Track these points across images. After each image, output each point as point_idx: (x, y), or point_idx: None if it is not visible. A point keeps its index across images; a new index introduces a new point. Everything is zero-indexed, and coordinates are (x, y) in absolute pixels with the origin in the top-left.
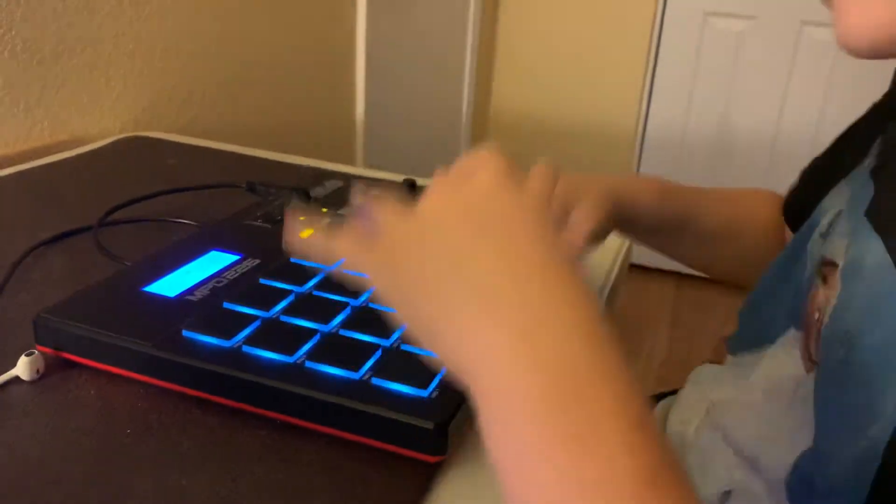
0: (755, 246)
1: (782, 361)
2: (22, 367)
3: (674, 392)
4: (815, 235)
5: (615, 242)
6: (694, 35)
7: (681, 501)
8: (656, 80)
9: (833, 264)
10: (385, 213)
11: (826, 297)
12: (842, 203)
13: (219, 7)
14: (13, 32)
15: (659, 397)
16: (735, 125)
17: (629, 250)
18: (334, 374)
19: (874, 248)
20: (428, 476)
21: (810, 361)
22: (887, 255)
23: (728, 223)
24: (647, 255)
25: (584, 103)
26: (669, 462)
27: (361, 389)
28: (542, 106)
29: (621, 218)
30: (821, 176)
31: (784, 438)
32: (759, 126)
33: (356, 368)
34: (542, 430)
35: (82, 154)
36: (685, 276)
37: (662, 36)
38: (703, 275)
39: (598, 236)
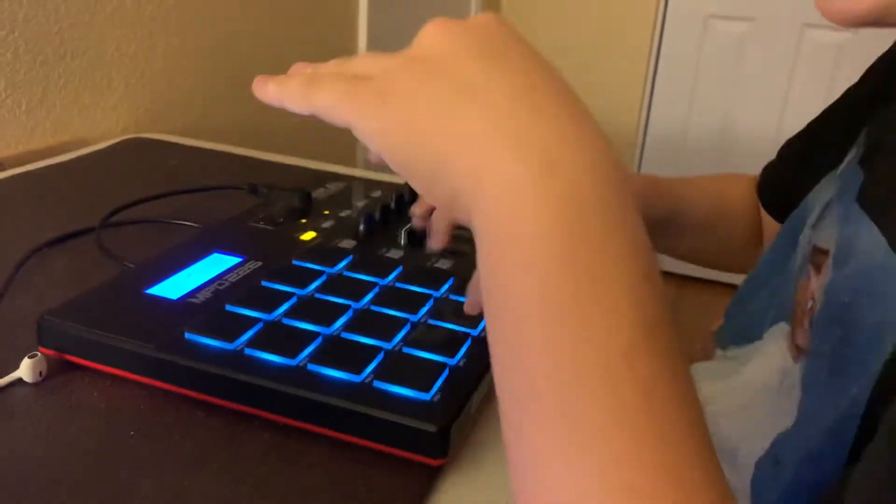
0: (736, 234)
1: (772, 356)
2: (25, 369)
3: None
4: (807, 227)
5: None
6: (695, 37)
7: (670, 356)
8: (657, 82)
9: (824, 252)
10: (366, 59)
11: (819, 285)
12: (831, 194)
13: (220, 9)
14: (15, 34)
15: None
16: (736, 127)
17: None
18: (336, 377)
19: (866, 231)
20: (430, 479)
21: (797, 351)
22: (881, 237)
23: (710, 214)
24: None
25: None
26: (666, 318)
27: (363, 392)
28: None
29: None
30: (803, 164)
31: (762, 428)
32: (761, 128)
33: (358, 371)
34: (552, 273)
35: (84, 155)
36: (686, 279)
37: (663, 38)
38: (705, 277)
39: None
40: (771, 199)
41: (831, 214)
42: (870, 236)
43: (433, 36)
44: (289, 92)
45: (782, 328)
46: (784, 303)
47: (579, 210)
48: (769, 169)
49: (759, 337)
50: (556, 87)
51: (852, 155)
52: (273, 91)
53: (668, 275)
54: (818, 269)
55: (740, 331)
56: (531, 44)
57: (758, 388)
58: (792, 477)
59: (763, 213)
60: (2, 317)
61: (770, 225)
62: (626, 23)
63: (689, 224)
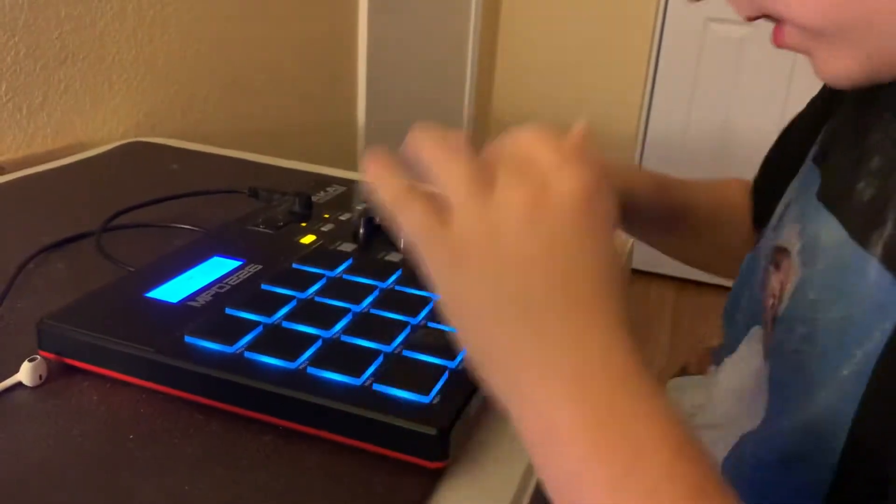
0: (734, 239)
1: (748, 359)
2: (25, 373)
3: None
4: (768, 230)
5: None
6: (694, 40)
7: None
8: (657, 85)
9: (783, 250)
10: (461, 189)
11: (780, 282)
12: (790, 194)
13: (221, 13)
14: (16, 38)
15: None
16: (736, 131)
17: (630, 255)
18: (336, 380)
19: (829, 226)
20: (430, 482)
21: (767, 350)
22: (843, 231)
23: (713, 215)
24: (647, 261)
25: (586, 108)
26: (712, 482)
27: (363, 395)
28: (543, 111)
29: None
30: (775, 175)
31: (733, 429)
32: (760, 132)
33: (358, 374)
34: (591, 467)
35: (85, 159)
36: (686, 282)
37: (663, 41)
38: (704, 280)
39: None
40: (756, 210)
41: (791, 213)
42: (831, 231)
43: (517, 197)
44: (382, 193)
45: (756, 331)
46: (754, 307)
47: (611, 412)
48: (755, 183)
49: (739, 343)
50: (603, 297)
51: (811, 155)
52: (371, 177)
53: (667, 279)
54: (777, 266)
55: (729, 345)
56: (600, 213)
57: (733, 393)
58: (764, 477)
59: None
60: (2, 320)
61: None
62: (626, 25)
63: (692, 224)
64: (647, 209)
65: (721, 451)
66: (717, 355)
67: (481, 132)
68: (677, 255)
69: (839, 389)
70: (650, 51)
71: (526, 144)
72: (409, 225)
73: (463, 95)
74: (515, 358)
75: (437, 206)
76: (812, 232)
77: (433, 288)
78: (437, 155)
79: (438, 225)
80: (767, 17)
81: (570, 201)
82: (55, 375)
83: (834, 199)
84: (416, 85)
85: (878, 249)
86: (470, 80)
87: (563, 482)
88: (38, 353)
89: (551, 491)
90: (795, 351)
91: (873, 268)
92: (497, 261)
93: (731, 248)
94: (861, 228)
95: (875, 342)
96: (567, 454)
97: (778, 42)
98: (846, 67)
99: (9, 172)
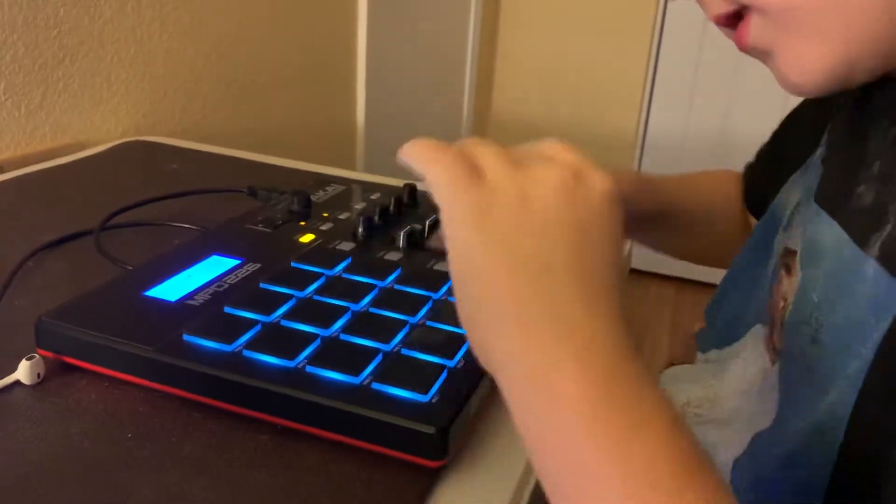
0: (731, 229)
1: (752, 360)
2: (23, 371)
3: None
4: (780, 231)
5: None
6: (694, 40)
7: (716, 487)
8: (656, 85)
9: (793, 253)
10: (497, 162)
11: (790, 285)
12: (799, 194)
13: (220, 12)
14: (15, 37)
15: None
16: (735, 131)
17: (629, 255)
18: (335, 379)
19: (828, 229)
20: (429, 481)
21: (774, 352)
22: (843, 233)
23: (704, 210)
24: (646, 260)
25: (585, 109)
26: (701, 459)
27: (362, 394)
28: (542, 111)
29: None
30: (773, 165)
31: (743, 428)
32: (760, 132)
33: (357, 373)
34: (594, 430)
35: (84, 158)
36: (685, 282)
37: (663, 41)
38: (704, 280)
39: None
40: (750, 199)
41: (800, 215)
42: (830, 233)
43: (550, 185)
44: (413, 151)
45: (759, 331)
46: (760, 306)
47: (612, 384)
48: (749, 169)
49: (736, 339)
50: (612, 272)
51: (817, 154)
52: (404, 149)
53: (667, 278)
54: (788, 269)
55: (719, 334)
56: (618, 219)
57: (742, 393)
58: (769, 475)
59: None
60: (0, 318)
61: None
62: (626, 26)
63: (681, 222)
64: (632, 205)
65: (735, 449)
66: (703, 342)
67: (480, 134)
68: (669, 251)
69: (845, 388)
70: (650, 51)
71: (552, 147)
72: (440, 173)
73: (462, 97)
74: (522, 320)
75: (471, 162)
76: (812, 235)
77: (448, 242)
78: (470, 143)
79: (469, 175)
80: (737, 12)
81: (599, 196)
82: (53, 374)
83: (832, 201)
84: (415, 85)
85: (875, 250)
86: (469, 82)
87: (561, 451)
88: (36, 352)
89: (545, 468)
90: (803, 353)
91: (871, 267)
92: (523, 220)
93: (727, 239)
94: (860, 231)
95: (875, 341)
96: (569, 418)
97: (743, 41)
98: (819, 61)
99: (8, 171)
